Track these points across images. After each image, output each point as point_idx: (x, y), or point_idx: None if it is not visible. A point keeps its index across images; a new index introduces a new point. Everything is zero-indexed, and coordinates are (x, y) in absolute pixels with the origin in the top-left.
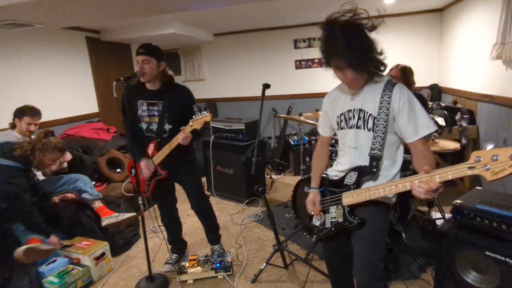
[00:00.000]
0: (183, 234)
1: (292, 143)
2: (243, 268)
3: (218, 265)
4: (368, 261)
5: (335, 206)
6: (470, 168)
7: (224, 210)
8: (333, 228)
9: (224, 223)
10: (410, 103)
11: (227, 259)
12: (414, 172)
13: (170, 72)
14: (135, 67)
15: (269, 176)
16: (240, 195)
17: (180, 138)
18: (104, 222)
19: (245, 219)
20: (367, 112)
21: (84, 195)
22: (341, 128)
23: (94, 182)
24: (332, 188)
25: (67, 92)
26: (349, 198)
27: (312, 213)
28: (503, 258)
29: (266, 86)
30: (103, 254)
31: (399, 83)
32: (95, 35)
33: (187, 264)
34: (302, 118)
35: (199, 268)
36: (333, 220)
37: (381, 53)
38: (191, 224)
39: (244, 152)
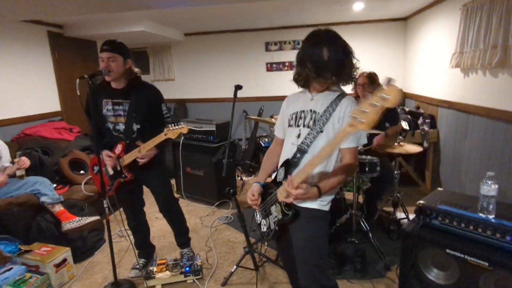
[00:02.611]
0: (151, 238)
1: (263, 145)
2: (213, 271)
3: (187, 269)
4: (305, 269)
5: (274, 205)
6: (350, 126)
7: (194, 212)
8: (277, 228)
9: (193, 225)
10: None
11: (197, 263)
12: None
13: (137, 70)
14: (100, 66)
15: (239, 178)
16: (210, 197)
17: (140, 158)
18: (65, 227)
19: (215, 222)
20: (318, 113)
21: (44, 198)
22: (290, 126)
23: (55, 185)
24: (271, 190)
25: (25, 89)
26: (281, 192)
27: (255, 208)
28: (462, 255)
29: (237, 87)
30: (64, 260)
31: (349, 95)
32: (58, 30)
33: (155, 269)
34: (273, 120)
35: (167, 273)
36: (275, 219)
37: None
38: (159, 227)
39: (215, 153)
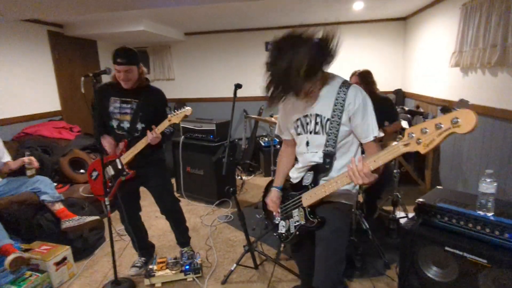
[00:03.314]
0: (151, 237)
1: (263, 144)
2: (213, 269)
3: (187, 267)
4: (326, 264)
5: (297, 210)
6: (405, 145)
7: (194, 211)
8: (297, 233)
9: (193, 224)
10: (365, 105)
11: (197, 261)
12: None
13: (144, 69)
14: (101, 64)
15: (239, 177)
16: (210, 197)
17: (150, 137)
18: (64, 225)
19: (215, 221)
20: (324, 117)
21: (44, 197)
22: (298, 134)
23: (55, 184)
24: (293, 192)
25: (25, 88)
26: (308, 198)
27: (273, 213)
28: (460, 253)
29: (237, 86)
30: (64, 258)
31: (354, 84)
32: (58, 29)
33: (155, 267)
34: (273, 119)
35: (167, 271)
36: (297, 223)
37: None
38: (159, 226)
39: (215, 153)
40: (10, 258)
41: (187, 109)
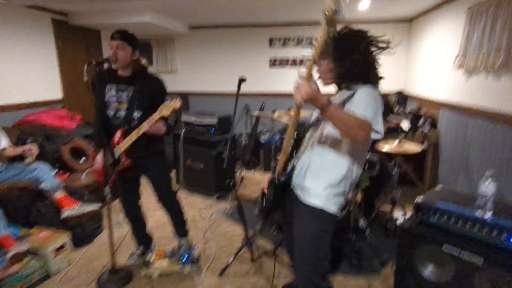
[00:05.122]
0: (150, 228)
1: (264, 140)
2: (210, 262)
3: (185, 258)
4: (298, 270)
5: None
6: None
7: (193, 204)
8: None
9: (192, 217)
10: (366, 95)
11: (194, 253)
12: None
13: (144, 61)
14: (104, 54)
15: (239, 173)
16: (210, 190)
17: (146, 124)
18: (64, 214)
19: (214, 214)
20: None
21: (43, 185)
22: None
23: (56, 170)
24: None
25: (27, 75)
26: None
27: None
28: (458, 253)
29: (242, 80)
30: (63, 246)
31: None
32: (62, 18)
33: (152, 258)
34: (275, 115)
35: (165, 262)
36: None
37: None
38: (158, 218)
39: (216, 147)
40: (9, 255)
41: (177, 102)
